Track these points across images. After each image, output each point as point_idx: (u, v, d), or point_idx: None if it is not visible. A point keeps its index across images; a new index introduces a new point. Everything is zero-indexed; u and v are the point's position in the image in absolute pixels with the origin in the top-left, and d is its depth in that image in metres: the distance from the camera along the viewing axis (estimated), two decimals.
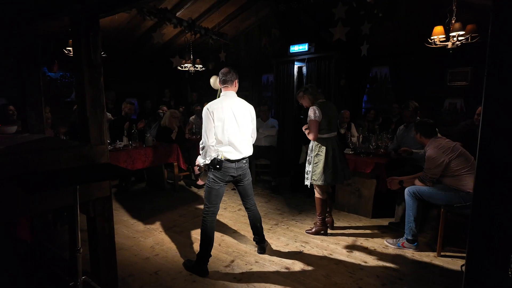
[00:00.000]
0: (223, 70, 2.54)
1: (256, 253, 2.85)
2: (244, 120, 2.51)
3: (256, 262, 2.69)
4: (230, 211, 3.90)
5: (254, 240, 2.93)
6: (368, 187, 3.68)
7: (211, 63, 6.53)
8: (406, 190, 2.93)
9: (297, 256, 2.79)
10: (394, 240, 3.01)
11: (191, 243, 3.04)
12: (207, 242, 2.53)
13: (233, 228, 3.40)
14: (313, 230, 3.24)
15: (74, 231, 1.76)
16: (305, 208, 4.01)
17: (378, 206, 3.74)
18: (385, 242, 3.04)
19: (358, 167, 3.62)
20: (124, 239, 3.13)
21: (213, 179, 2.47)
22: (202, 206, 4.06)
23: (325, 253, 2.85)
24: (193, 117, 6.10)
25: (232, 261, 2.70)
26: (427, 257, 2.80)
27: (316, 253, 2.85)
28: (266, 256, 2.79)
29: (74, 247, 1.78)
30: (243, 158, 2.52)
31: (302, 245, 2.99)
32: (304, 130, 3.12)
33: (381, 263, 2.69)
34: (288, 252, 2.86)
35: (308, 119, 3.05)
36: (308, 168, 3.17)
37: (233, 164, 2.47)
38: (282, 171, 5.26)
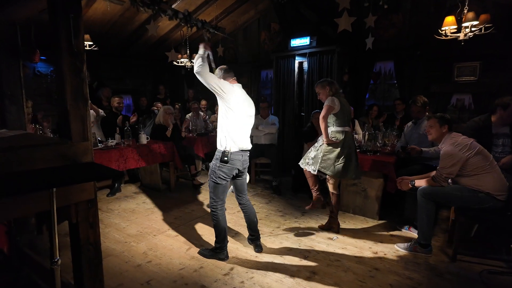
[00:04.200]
0: (223, 66, 2.55)
1: (257, 259, 2.63)
2: (251, 112, 2.57)
3: (258, 269, 2.47)
4: (228, 213, 3.67)
5: (249, 239, 2.78)
6: (375, 187, 3.47)
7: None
8: (419, 190, 2.73)
9: (302, 263, 2.58)
10: (406, 244, 2.81)
11: (188, 248, 2.82)
12: (222, 234, 2.57)
13: (232, 231, 3.18)
14: (310, 205, 3.23)
15: (51, 240, 1.53)
16: (307, 210, 3.79)
17: (383, 207, 3.54)
18: (395, 246, 2.83)
19: (365, 166, 3.41)
20: (114, 244, 2.90)
21: (221, 175, 2.46)
22: (199, 208, 3.86)
23: (332, 259, 2.64)
24: (190, 114, 5.87)
25: (232, 269, 2.48)
26: (442, 263, 2.60)
27: (322, 259, 2.63)
28: (268, 262, 2.57)
29: (51, 258, 1.55)
30: (248, 150, 2.57)
31: (307, 250, 2.78)
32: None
33: (393, 269, 2.48)
34: (292, 258, 2.65)
35: (324, 105, 2.93)
36: (313, 153, 3.02)
37: (240, 156, 2.48)
38: (283, 170, 5.05)
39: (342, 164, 2.89)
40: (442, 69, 4.76)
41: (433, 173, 2.86)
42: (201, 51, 2.39)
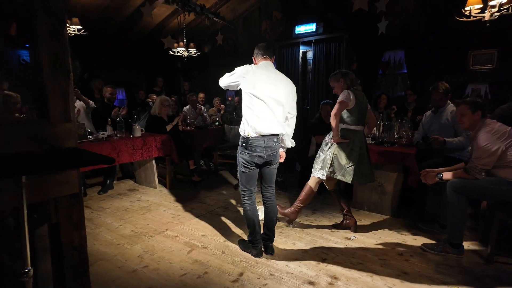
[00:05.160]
0: (261, 44, 2.36)
1: (269, 262, 2.32)
2: (277, 94, 2.22)
3: (271, 275, 2.16)
4: (232, 211, 3.36)
5: (261, 238, 2.45)
6: (393, 182, 3.18)
7: (207, 46, 5.94)
8: (449, 184, 2.44)
9: (320, 266, 2.27)
10: (433, 244, 2.52)
11: (189, 250, 2.49)
12: (251, 227, 2.38)
13: (237, 231, 2.86)
14: (285, 210, 2.94)
15: (22, 246, 1.20)
16: (318, 207, 3.50)
17: (399, 203, 3.27)
18: (422, 247, 2.54)
19: (382, 159, 3.12)
20: (106, 247, 2.56)
21: (243, 162, 2.27)
22: (199, 206, 3.53)
23: (354, 261, 2.34)
24: (187, 107, 5.54)
25: (241, 274, 2.16)
26: (477, 265, 2.31)
27: (342, 262, 2.33)
28: (282, 266, 2.26)
29: (21, 267, 1.22)
30: (272, 135, 2.24)
31: (324, 252, 2.48)
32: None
33: (424, 273, 2.18)
34: (308, 261, 2.34)
35: (337, 101, 2.63)
36: (322, 157, 2.77)
37: (261, 142, 2.20)
38: (288, 166, 4.73)
39: (353, 167, 2.63)
40: (457, 58, 4.49)
41: (461, 165, 2.59)
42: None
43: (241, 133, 2.26)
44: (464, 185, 2.36)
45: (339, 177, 2.67)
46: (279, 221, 3.08)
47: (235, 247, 2.54)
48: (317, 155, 2.85)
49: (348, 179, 2.63)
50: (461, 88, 4.55)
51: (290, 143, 2.49)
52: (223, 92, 7.17)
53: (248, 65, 2.24)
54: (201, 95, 6.09)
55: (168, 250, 2.50)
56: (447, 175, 2.50)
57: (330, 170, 2.69)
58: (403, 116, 4.21)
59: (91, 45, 5.83)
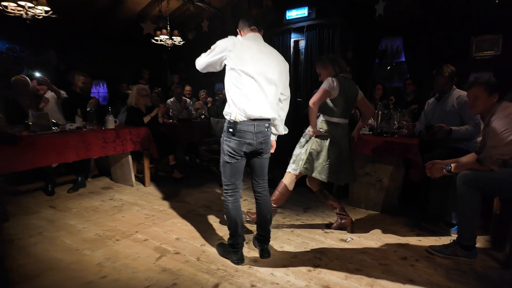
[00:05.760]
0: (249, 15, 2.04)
1: (251, 270, 1.96)
2: (268, 72, 1.87)
3: (253, 286, 1.80)
4: (214, 211, 3.00)
5: (256, 239, 2.15)
6: (393, 177, 2.86)
7: (191, 33, 5.56)
8: (459, 177, 2.11)
9: (312, 274, 1.93)
10: (441, 246, 2.19)
11: (158, 257, 2.12)
12: (233, 226, 2.02)
13: (218, 234, 2.50)
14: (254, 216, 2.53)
15: None
16: (310, 205, 3.17)
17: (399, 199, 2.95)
18: (429, 249, 2.21)
19: (381, 150, 2.80)
20: (62, 253, 2.18)
21: (229, 151, 1.91)
22: (178, 205, 3.17)
23: (351, 268, 2.00)
24: (171, 99, 5.17)
25: (217, 286, 1.81)
26: (492, 270, 1.99)
27: (338, 268, 1.99)
28: (266, 275, 1.91)
29: None
30: (263, 120, 1.90)
31: (316, 257, 2.13)
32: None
33: (434, 281, 1.85)
34: (298, 268, 1.99)
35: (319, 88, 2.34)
36: (298, 151, 2.51)
37: (251, 127, 1.85)
38: (279, 162, 4.39)
39: (330, 165, 2.34)
40: (458, 44, 4.20)
41: (472, 155, 2.26)
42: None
43: (227, 116, 1.91)
44: (477, 178, 2.04)
45: (314, 174, 2.37)
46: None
47: (213, 253, 2.19)
48: (296, 147, 2.55)
49: (324, 177, 2.35)
50: (463, 77, 4.25)
51: (283, 129, 2.15)
52: (211, 86, 6.80)
53: (233, 36, 1.89)
54: (188, 87, 5.73)
55: (134, 256, 2.14)
56: (456, 167, 2.17)
57: (305, 166, 2.39)
58: (402, 108, 3.91)
59: (68, 35, 5.43)
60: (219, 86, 6.70)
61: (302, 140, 2.54)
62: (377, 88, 4.21)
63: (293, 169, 2.48)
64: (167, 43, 5.14)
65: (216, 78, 6.43)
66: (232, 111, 1.86)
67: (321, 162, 2.35)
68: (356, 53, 4.61)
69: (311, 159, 2.39)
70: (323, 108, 2.41)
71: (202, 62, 1.98)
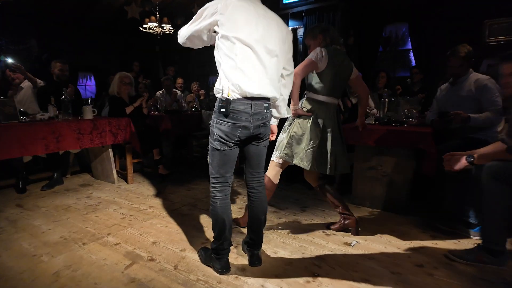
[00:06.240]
0: None
1: (237, 281, 1.63)
2: (269, 42, 1.53)
3: None
4: (200, 210, 2.67)
5: (246, 243, 1.83)
6: (402, 170, 2.53)
7: (180, 18, 5.22)
8: (485, 169, 1.79)
9: (311, 286, 1.59)
10: (463, 251, 1.86)
11: (128, 264, 1.79)
12: (219, 227, 1.67)
13: (202, 237, 2.17)
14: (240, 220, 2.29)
15: None
16: (309, 203, 2.84)
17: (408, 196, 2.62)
18: (448, 255, 1.88)
19: (389, 141, 2.47)
20: (15, 259, 1.85)
21: (220, 136, 1.56)
22: (160, 204, 2.83)
23: (357, 277, 1.67)
24: (160, 92, 4.84)
25: None
26: None
27: (341, 278, 1.66)
28: (255, 287, 1.57)
29: None
30: (262, 99, 1.55)
31: (315, 264, 1.80)
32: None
33: None
34: (293, 279, 1.66)
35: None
36: (282, 136, 2.14)
37: (248, 106, 1.51)
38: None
39: (313, 151, 1.99)
40: (470, 29, 3.87)
41: (498, 144, 1.93)
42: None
43: (218, 94, 1.55)
44: (509, 170, 1.71)
45: (295, 161, 2.03)
46: None
47: (194, 260, 1.85)
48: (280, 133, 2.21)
49: (306, 165, 2.00)
50: (475, 64, 3.92)
51: (285, 111, 1.80)
52: (205, 78, 6.47)
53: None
54: (180, 80, 5.41)
55: (100, 263, 1.80)
56: (480, 158, 1.83)
57: (285, 152, 2.05)
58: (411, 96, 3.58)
59: (51, 23, 5.09)
60: (213, 80, 6.36)
61: (286, 123, 2.18)
62: (381, 76, 3.86)
63: (276, 157, 2.12)
64: (157, 32, 4.81)
65: (210, 70, 6.10)
66: (224, 87, 1.50)
67: (303, 147, 2.01)
68: (358, 40, 4.29)
69: (291, 143, 2.05)
70: (308, 84, 2.08)
71: (185, 32, 1.62)
